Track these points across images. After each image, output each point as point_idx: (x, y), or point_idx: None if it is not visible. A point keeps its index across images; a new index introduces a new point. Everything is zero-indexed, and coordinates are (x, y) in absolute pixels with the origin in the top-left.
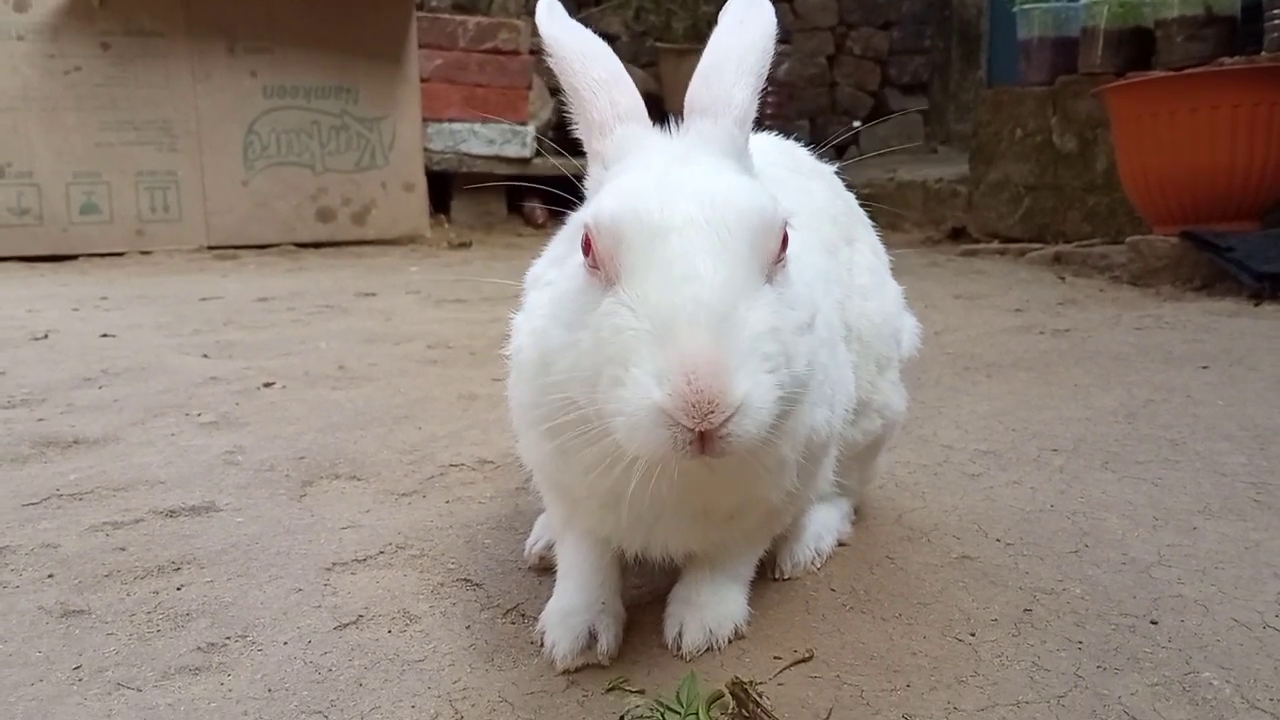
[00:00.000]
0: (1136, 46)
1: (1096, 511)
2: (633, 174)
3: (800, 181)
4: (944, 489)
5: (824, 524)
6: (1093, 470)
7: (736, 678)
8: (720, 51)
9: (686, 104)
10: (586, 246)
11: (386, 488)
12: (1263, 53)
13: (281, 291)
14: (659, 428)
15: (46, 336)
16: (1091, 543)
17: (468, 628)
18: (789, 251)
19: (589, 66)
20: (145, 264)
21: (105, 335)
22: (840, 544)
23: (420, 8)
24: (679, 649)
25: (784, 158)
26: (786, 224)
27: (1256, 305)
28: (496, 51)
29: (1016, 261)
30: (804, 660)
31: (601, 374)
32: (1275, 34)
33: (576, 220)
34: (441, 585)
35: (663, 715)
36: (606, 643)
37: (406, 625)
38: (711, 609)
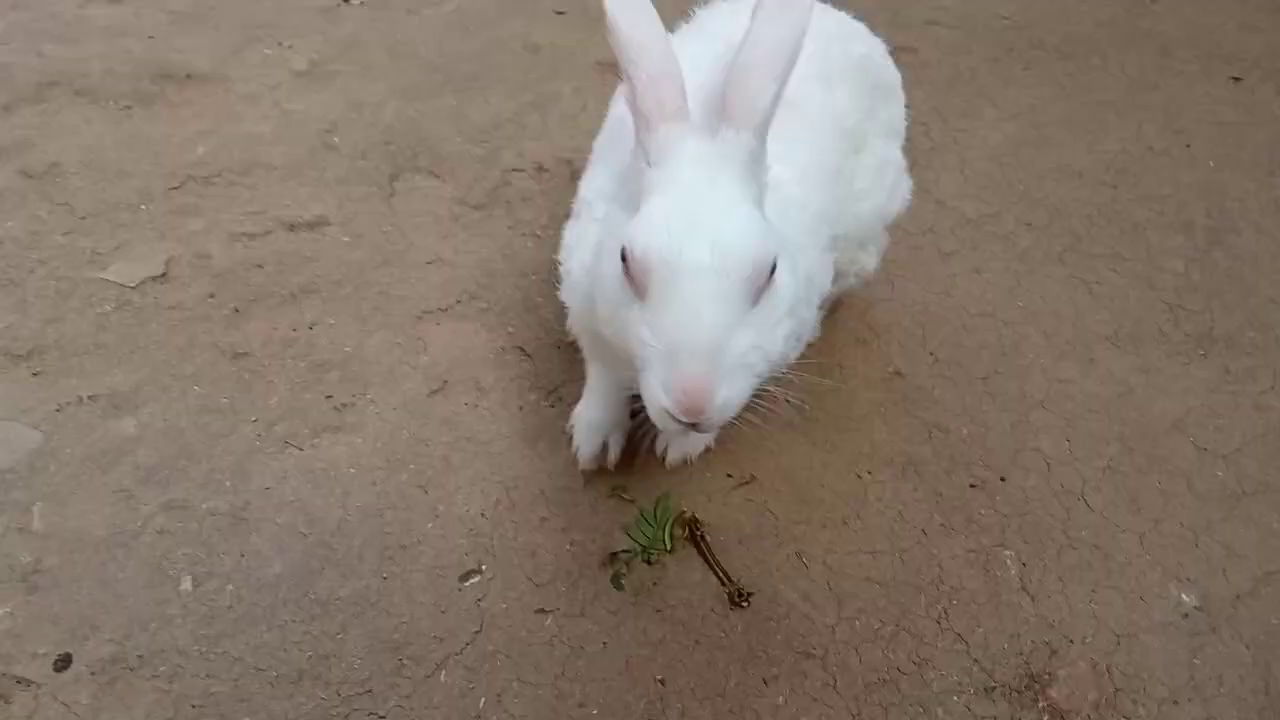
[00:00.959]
0: None
1: (1025, 325)
2: (665, 199)
3: (823, 96)
4: (914, 276)
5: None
6: (1049, 262)
7: (693, 514)
8: (752, 51)
9: (720, 101)
10: (624, 255)
11: (460, 195)
12: None
13: None
14: (663, 417)
15: None
16: (1003, 369)
17: (520, 409)
18: (776, 274)
19: (646, 57)
20: None
21: None
22: (809, 344)
23: None
24: (664, 460)
25: (815, 63)
26: (776, 258)
27: None
28: None
29: None
30: (746, 483)
31: (629, 354)
32: None
33: (611, 142)
34: (504, 351)
35: (642, 525)
36: (615, 454)
37: (479, 397)
38: (689, 436)
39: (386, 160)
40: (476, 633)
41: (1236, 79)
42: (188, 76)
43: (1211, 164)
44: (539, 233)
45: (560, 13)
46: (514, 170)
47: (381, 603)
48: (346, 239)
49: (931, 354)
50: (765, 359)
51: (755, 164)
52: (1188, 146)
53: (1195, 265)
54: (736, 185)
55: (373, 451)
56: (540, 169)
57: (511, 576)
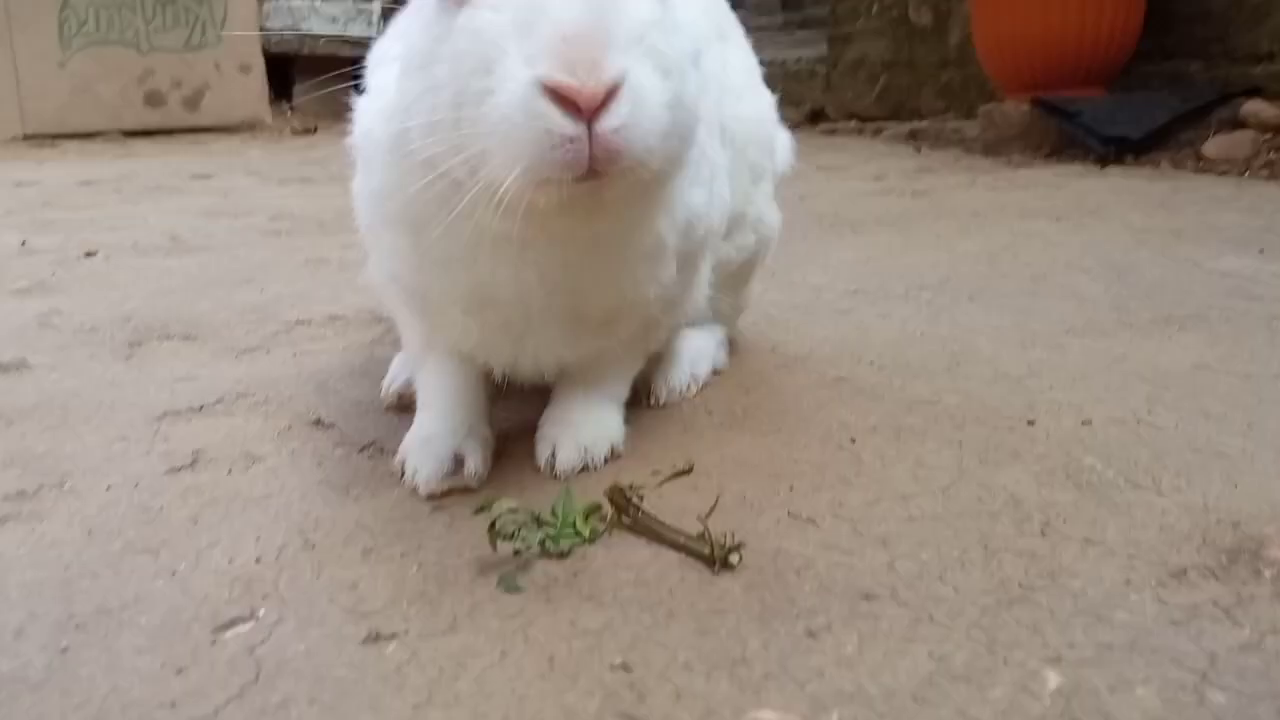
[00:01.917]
0: None
1: (966, 336)
2: None
3: None
4: (815, 323)
5: (699, 350)
6: (959, 303)
7: (615, 483)
8: None
9: None
10: None
11: (226, 345)
12: None
13: (108, 175)
14: (538, 117)
15: None
16: (963, 361)
17: (319, 464)
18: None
19: None
20: None
21: None
22: (715, 372)
23: None
24: (553, 469)
25: None
26: None
27: (1103, 168)
28: None
29: (875, 139)
30: (684, 473)
31: (465, 95)
32: None
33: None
34: (289, 428)
35: (536, 522)
36: (475, 465)
37: (249, 466)
38: (587, 427)
39: (124, 332)
40: (249, 684)
41: (1058, 219)
42: None
43: (1077, 243)
44: (335, 353)
45: (349, 246)
46: (299, 322)
47: (52, 681)
48: (55, 375)
49: (872, 363)
50: (672, 63)
51: None
52: (1046, 239)
53: (1116, 285)
54: None
55: (64, 528)
56: (333, 318)
57: (313, 614)
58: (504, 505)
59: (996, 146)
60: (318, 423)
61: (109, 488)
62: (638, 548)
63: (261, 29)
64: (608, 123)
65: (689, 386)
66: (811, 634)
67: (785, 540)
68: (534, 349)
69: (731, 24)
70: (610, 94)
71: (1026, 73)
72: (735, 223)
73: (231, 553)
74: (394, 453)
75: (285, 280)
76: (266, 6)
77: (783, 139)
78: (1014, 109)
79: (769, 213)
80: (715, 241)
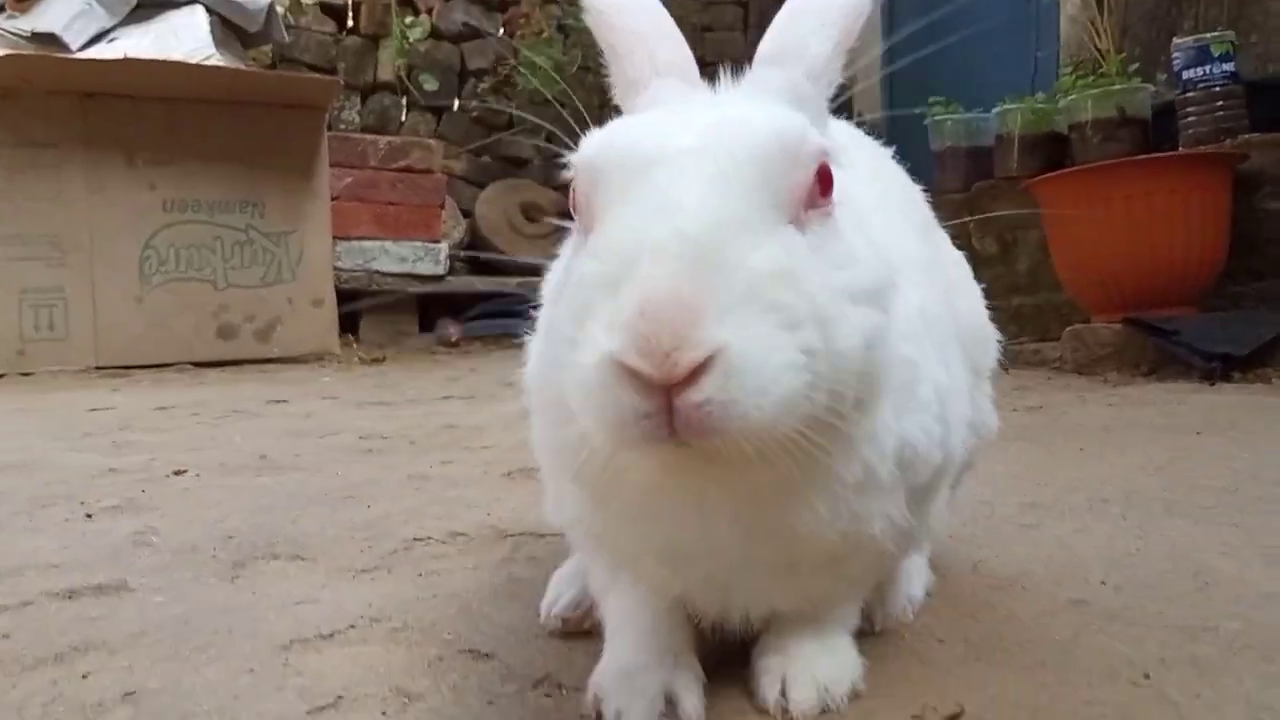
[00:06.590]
0: (1051, 149)
1: (1192, 553)
2: (641, 112)
3: (874, 153)
4: (1006, 540)
5: (912, 569)
6: (1158, 517)
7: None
8: (801, 1)
9: (756, 56)
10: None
11: (341, 565)
12: (1180, 149)
13: (183, 401)
14: (610, 389)
15: None
16: (1211, 581)
17: (489, 704)
18: (836, 195)
19: (626, 18)
20: (24, 383)
21: None
22: (927, 594)
23: (329, 128)
24: (785, 711)
25: (847, 129)
26: (826, 156)
27: (1212, 385)
28: (409, 170)
29: None
30: (954, 716)
31: (561, 346)
32: (1190, 131)
33: None
34: (440, 659)
35: None
36: (692, 705)
37: (405, 705)
38: (821, 660)
39: (227, 551)
40: None
41: (1199, 433)
42: None
43: (1246, 456)
44: (468, 570)
45: (448, 463)
46: (416, 539)
47: None
48: (160, 599)
49: (1103, 583)
50: (814, 315)
51: (803, 104)
52: (1207, 452)
53: None
54: (764, 100)
55: None
56: (455, 534)
57: None
58: None
59: (1089, 366)
60: (473, 653)
61: None
62: None
63: (334, 267)
64: (689, 398)
65: (905, 610)
66: None
67: None
68: (743, 595)
69: (931, 216)
70: (697, 369)
71: (1115, 294)
72: None
73: None
74: (577, 689)
75: (390, 497)
76: (339, 248)
77: (992, 333)
78: (1105, 328)
79: (990, 413)
80: (953, 469)
